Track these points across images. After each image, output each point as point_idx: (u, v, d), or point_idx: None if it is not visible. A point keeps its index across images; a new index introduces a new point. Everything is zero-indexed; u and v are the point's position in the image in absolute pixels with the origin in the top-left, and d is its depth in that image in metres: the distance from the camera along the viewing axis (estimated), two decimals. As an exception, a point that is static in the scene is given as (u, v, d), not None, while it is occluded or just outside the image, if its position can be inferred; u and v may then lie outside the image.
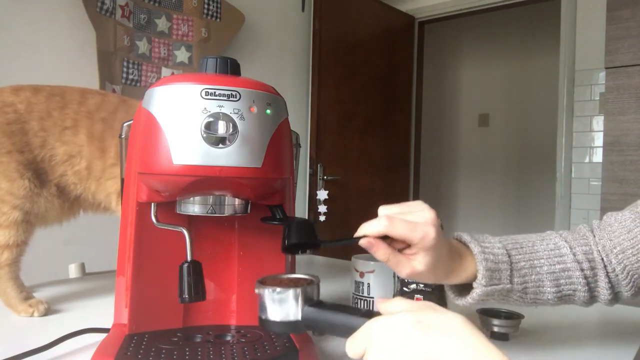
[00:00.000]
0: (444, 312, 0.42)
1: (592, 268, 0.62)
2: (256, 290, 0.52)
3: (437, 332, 0.39)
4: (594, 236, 0.64)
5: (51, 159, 0.86)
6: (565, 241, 0.63)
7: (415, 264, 0.57)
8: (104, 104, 0.91)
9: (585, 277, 0.62)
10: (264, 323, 0.51)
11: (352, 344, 0.44)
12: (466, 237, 0.62)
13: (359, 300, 0.83)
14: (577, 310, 1.03)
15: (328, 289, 1.01)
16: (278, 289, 0.50)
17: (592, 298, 0.64)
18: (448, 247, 0.59)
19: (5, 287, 0.82)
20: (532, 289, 0.61)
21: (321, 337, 0.72)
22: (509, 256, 0.61)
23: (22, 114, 0.84)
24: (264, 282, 0.53)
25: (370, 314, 0.47)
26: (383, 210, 0.60)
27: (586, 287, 0.62)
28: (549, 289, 0.61)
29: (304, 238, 0.59)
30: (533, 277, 0.61)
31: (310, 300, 0.51)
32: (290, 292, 0.50)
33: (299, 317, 0.50)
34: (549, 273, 0.61)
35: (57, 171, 0.87)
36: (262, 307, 0.51)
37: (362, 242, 0.57)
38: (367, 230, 0.57)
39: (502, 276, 0.60)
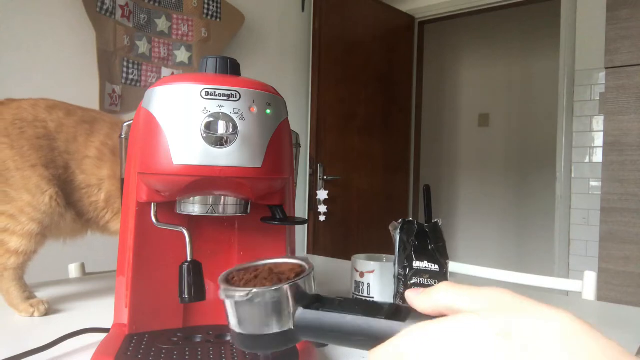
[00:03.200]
0: (540, 309, 0.26)
1: None
2: (221, 295, 0.35)
3: (538, 350, 0.24)
4: None
5: (71, 183, 0.87)
6: None
7: None
8: None
9: None
10: (238, 339, 0.35)
11: None
12: None
13: None
14: (576, 309, 1.03)
15: (327, 289, 1.01)
16: (254, 290, 0.34)
17: None
18: None
19: (8, 287, 0.82)
20: None
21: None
22: None
23: (51, 132, 0.86)
24: (230, 279, 0.37)
25: (399, 312, 0.32)
26: None
27: None
28: None
29: None
30: None
31: (304, 298, 0.35)
32: (270, 294, 0.33)
33: (291, 325, 0.34)
34: None
35: (74, 196, 0.88)
36: (233, 318, 0.35)
37: None
38: None
39: None
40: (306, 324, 0.34)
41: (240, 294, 0.34)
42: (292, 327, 0.34)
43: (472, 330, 0.25)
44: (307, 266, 0.37)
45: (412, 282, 0.74)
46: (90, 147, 0.88)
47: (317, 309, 0.34)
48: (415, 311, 0.31)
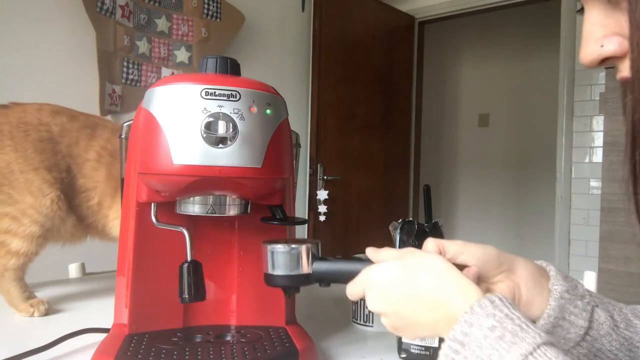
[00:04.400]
0: (425, 255, 0.50)
1: None
2: (268, 248, 0.55)
3: (420, 272, 0.48)
4: None
5: (72, 187, 0.88)
6: None
7: None
8: None
9: None
10: (274, 279, 0.56)
11: (353, 288, 0.52)
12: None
13: (359, 300, 0.83)
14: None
15: (328, 289, 1.01)
16: (293, 245, 0.55)
17: None
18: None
19: (9, 287, 0.83)
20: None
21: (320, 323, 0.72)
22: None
23: (55, 136, 0.86)
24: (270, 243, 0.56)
25: (370, 261, 0.55)
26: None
27: None
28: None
29: None
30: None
31: (316, 256, 0.56)
32: (304, 247, 0.55)
33: (310, 271, 0.55)
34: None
35: (75, 200, 0.88)
36: (274, 264, 0.55)
37: None
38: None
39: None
40: (320, 270, 0.55)
41: (281, 247, 0.55)
42: (311, 272, 0.55)
43: (392, 266, 0.49)
44: (317, 241, 0.58)
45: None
46: (90, 150, 0.88)
47: (325, 261, 0.56)
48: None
